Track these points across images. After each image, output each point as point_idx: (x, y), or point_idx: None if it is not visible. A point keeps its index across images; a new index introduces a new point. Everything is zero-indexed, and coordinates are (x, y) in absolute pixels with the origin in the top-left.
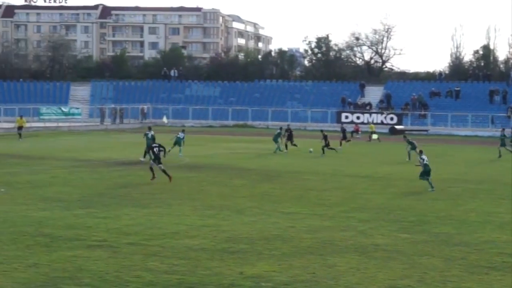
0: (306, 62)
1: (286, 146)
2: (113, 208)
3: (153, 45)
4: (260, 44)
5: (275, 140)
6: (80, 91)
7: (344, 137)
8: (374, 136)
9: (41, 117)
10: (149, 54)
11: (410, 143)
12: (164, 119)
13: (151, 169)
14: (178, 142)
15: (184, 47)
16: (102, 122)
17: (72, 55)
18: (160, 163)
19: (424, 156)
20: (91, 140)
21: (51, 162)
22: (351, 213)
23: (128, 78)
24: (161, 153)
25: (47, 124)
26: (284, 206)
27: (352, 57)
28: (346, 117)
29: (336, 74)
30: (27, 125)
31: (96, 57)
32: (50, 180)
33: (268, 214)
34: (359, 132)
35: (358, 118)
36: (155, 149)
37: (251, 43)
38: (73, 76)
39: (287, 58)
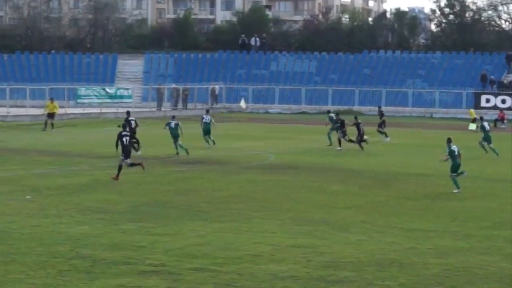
0: (433, 27)
1: (339, 141)
2: (173, 222)
3: (228, 5)
4: (371, 3)
5: (335, 129)
6: (131, 66)
7: (382, 124)
8: (472, 126)
9: (79, 100)
10: (222, 16)
11: (484, 130)
12: (242, 103)
13: (120, 167)
14: (207, 129)
15: (269, 7)
16: (160, 107)
17: (120, 19)
18: (128, 157)
19: (454, 147)
20: (145, 131)
21: (92, 161)
22: (495, 231)
23: (194, 49)
24: (135, 145)
25: (87, 110)
26: (404, 220)
27: (496, 19)
28: (487, 101)
29: (474, 43)
30: (61, 111)
31: (151, 21)
32: (91, 184)
33: (381, 231)
34: (505, 121)
35: (503, 102)
36: (124, 139)
37: (359, 2)
38: (121, 47)
39: (407, 22)
